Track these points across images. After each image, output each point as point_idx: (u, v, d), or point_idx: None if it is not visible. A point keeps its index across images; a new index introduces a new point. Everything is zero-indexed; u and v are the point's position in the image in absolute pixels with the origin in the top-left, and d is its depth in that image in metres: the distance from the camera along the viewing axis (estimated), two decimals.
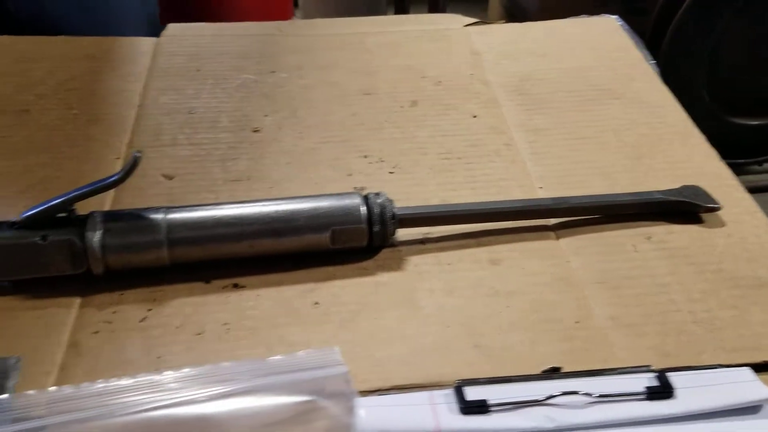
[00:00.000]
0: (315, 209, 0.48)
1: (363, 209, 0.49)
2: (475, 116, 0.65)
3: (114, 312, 0.45)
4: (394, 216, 0.49)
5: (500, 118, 0.65)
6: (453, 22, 0.81)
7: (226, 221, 0.47)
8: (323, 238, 0.48)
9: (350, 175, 0.58)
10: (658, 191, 0.54)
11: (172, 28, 0.77)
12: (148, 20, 0.89)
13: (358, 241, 0.49)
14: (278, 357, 0.40)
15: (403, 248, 0.51)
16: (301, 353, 0.40)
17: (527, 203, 0.54)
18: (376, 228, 0.49)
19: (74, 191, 0.45)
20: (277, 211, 0.48)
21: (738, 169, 2.11)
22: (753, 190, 2.13)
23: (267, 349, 0.43)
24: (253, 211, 0.48)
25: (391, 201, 0.50)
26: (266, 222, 0.48)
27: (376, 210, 0.49)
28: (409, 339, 0.44)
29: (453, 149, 0.61)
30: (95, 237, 0.45)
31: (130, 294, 0.47)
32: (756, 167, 2.02)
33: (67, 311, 0.45)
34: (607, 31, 0.78)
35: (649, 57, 0.72)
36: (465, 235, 0.52)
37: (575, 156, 0.60)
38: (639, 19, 2.29)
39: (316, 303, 0.46)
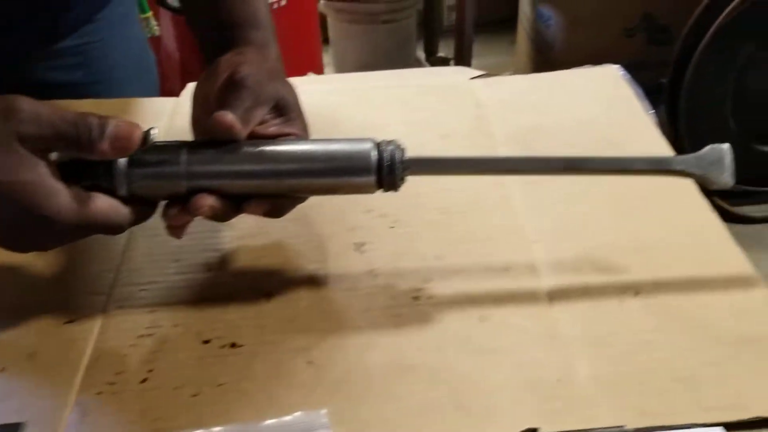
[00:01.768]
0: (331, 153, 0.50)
1: (374, 154, 0.49)
2: None
3: (117, 373, 0.48)
4: (403, 161, 0.50)
5: None
6: (460, 75, 0.83)
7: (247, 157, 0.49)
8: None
9: (352, 230, 0.60)
10: (678, 157, 0.52)
11: (191, 88, 0.80)
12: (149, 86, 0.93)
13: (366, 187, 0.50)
14: (268, 422, 0.42)
15: (395, 305, 0.53)
16: (288, 418, 0.42)
17: (538, 159, 0.55)
18: (386, 172, 0.49)
19: None
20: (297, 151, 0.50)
21: (765, 197, 2.09)
22: None
23: (258, 412, 0.45)
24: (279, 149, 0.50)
25: (402, 149, 0.51)
26: (296, 160, 0.49)
27: (387, 155, 0.49)
28: (396, 399, 0.46)
29: (452, 204, 0.63)
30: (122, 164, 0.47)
31: (133, 355, 0.49)
32: None
33: (74, 372, 0.48)
34: (609, 81, 0.79)
35: (649, 107, 0.74)
36: (458, 290, 0.54)
37: (570, 209, 0.62)
38: (663, 49, 2.30)
39: (310, 362, 0.49)
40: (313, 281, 0.55)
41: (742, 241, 0.59)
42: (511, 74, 0.84)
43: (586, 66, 0.82)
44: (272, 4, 1.45)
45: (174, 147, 0.49)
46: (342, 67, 2.47)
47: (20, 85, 0.49)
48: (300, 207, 0.62)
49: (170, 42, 1.52)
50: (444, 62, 2.71)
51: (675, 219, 0.60)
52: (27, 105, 0.43)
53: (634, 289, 0.53)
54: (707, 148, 0.52)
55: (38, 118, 0.43)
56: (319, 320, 0.52)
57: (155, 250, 0.58)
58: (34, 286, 0.55)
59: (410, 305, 0.53)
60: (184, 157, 0.48)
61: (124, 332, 0.51)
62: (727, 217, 1.91)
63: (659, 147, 0.69)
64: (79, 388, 0.47)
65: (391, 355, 0.49)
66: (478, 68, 2.62)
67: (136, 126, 0.46)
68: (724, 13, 1.61)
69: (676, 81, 1.77)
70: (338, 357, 0.49)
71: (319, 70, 1.85)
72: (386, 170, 0.49)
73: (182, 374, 0.48)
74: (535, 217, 0.61)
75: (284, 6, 1.47)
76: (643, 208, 0.61)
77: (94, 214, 0.45)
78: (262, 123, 0.51)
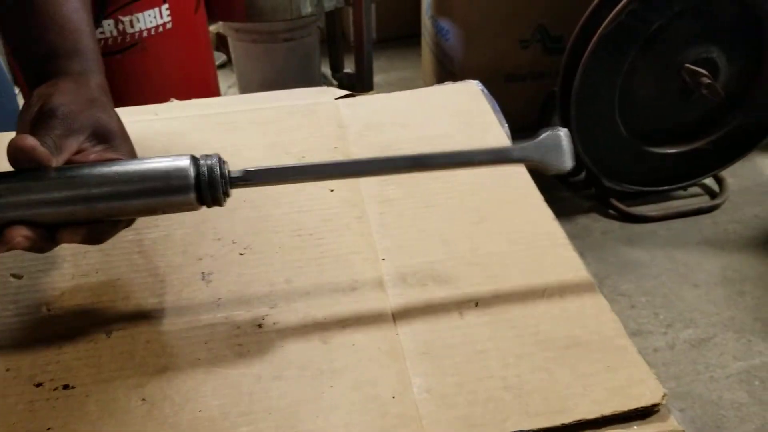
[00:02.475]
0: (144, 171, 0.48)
1: (192, 170, 0.48)
2: (332, 190, 0.68)
3: None
4: (224, 175, 0.49)
5: (356, 190, 0.67)
6: (325, 95, 0.84)
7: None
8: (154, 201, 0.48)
9: (200, 259, 0.60)
10: (517, 146, 0.53)
11: None
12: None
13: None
14: None
15: (238, 334, 0.53)
16: None
17: (384, 160, 0.54)
18: (205, 187, 0.48)
19: None
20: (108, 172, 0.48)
21: (664, 196, 2.17)
22: (681, 214, 2.17)
23: None
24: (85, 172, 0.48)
25: (224, 162, 0.49)
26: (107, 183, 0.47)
27: (206, 170, 0.48)
28: (227, 430, 0.45)
29: (306, 225, 0.63)
30: None
31: None
32: (681, 192, 2.08)
33: None
34: (468, 96, 0.81)
35: (503, 120, 0.76)
36: (303, 313, 0.54)
37: (420, 225, 0.63)
38: (557, 58, 2.37)
39: (143, 399, 0.48)
40: (155, 315, 0.54)
41: (638, 240, 0.62)
42: (374, 93, 0.84)
43: (447, 83, 0.84)
44: (158, 27, 1.43)
45: None
46: (246, 87, 2.45)
47: None
48: (147, 240, 0.62)
49: None
50: (351, 77, 2.73)
51: (521, 229, 0.62)
52: None
53: (474, 300, 0.54)
54: (544, 134, 0.53)
55: None
56: (158, 355, 0.51)
57: None
58: None
59: (253, 333, 0.53)
60: None
61: None
62: (624, 217, 1.98)
63: None
64: None
65: (227, 388, 0.49)
66: (385, 82, 2.62)
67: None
68: (606, 21, 1.67)
69: (565, 89, 1.82)
70: (172, 392, 0.48)
71: (215, 92, 1.83)
72: (206, 186, 0.48)
73: (8, 420, 0.46)
74: (386, 236, 0.62)
75: (170, 30, 1.45)
76: (492, 220, 0.63)
77: None
78: (80, 152, 0.50)
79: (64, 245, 0.49)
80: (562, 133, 0.53)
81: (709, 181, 2.08)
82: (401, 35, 2.98)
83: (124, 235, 0.61)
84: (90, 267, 0.59)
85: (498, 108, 0.78)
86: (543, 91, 2.18)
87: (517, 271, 0.57)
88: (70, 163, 0.49)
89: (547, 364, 0.49)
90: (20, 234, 0.46)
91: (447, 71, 2.45)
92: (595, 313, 0.53)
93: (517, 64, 2.33)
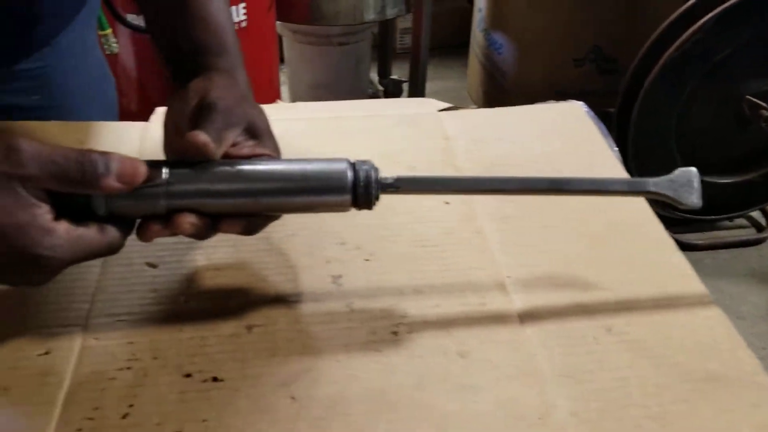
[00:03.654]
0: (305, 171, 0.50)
1: (350, 173, 0.50)
2: (447, 203, 0.69)
3: (96, 408, 0.47)
4: (377, 180, 0.51)
5: (470, 205, 0.68)
6: (426, 106, 0.85)
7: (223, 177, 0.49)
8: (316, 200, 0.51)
9: (328, 262, 0.61)
10: (652, 180, 0.54)
11: (161, 112, 0.80)
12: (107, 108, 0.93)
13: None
14: None
15: (375, 339, 0.54)
16: None
17: (521, 180, 0.56)
18: (361, 191, 0.50)
19: None
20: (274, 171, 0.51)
21: (709, 225, 2.17)
22: (728, 245, 2.17)
23: None
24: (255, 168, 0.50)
25: (377, 169, 0.51)
26: (271, 180, 0.50)
27: (362, 174, 0.50)
28: None
29: (426, 237, 0.64)
30: None
31: (112, 389, 0.49)
32: (727, 222, 2.08)
33: (50, 408, 0.47)
34: (574, 117, 0.82)
35: (613, 144, 0.76)
36: (436, 324, 0.55)
37: (540, 245, 0.63)
38: (610, 78, 2.37)
39: (292, 398, 0.49)
40: (292, 314, 0.55)
41: None
42: (476, 107, 0.85)
43: (549, 102, 0.85)
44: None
45: (153, 166, 0.49)
46: (297, 87, 2.47)
47: None
48: (274, 239, 0.63)
49: (129, 59, 1.50)
50: (396, 84, 2.74)
51: (645, 257, 0.62)
52: (27, 145, 0.43)
53: (607, 326, 0.55)
54: (677, 171, 0.55)
55: (39, 157, 0.43)
56: (300, 353, 0.52)
57: (130, 280, 0.58)
58: (3, 318, 0.54)
59: (390, 340, 0.54)
60: (163, 176, 0.48)
61: (101, 365, 0.50)
62: None
63: None
64: (56, 425, 0.46)
65: (371, 392, 0.50)
66: (431, 91, 2.64)
67: (139, 162, 0.46)
68: (673, 47, 1.68)
69: (623, 111, 1.83)
70: (319, 392, 0.49)
71: (276, 91, 1.85)
72: (362, 189, 0.50)
73: (164, 410, 0.48)
74: (507, 253, 0.62)
75: (245, 28, 1.47)
76: (613, 246, 0.63)
77: (88, 245, 0.46)
78: (234, 145, 0.52)
79: None
80: (693, 171, 0.55)
81: (755, 214, 2.08)
82: (447, 44, 2.99)
83: None
84: (222, 261, 0.60)
85: (607, 132, 0.79)
86: (593, 110, 2.19)
87: (646, 299, 0.58)
88: (226, 156, 0.51)
89: (688, 396, 0.49)
90: (188, 221, 0.48)
91: (497, 84, 2.45)
92: (730, 348, 0.53)
93: (569, 81, 2.34)
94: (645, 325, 0.55)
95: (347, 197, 0.51)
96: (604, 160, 0.75)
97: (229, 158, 0.52)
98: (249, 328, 0.54)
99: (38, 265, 0.44)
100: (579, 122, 0.81)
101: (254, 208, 0.50)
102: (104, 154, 0.45)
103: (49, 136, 0.74)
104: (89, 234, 0.46)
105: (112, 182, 0.45)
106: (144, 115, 0.78)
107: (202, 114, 0.51)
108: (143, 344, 0.52)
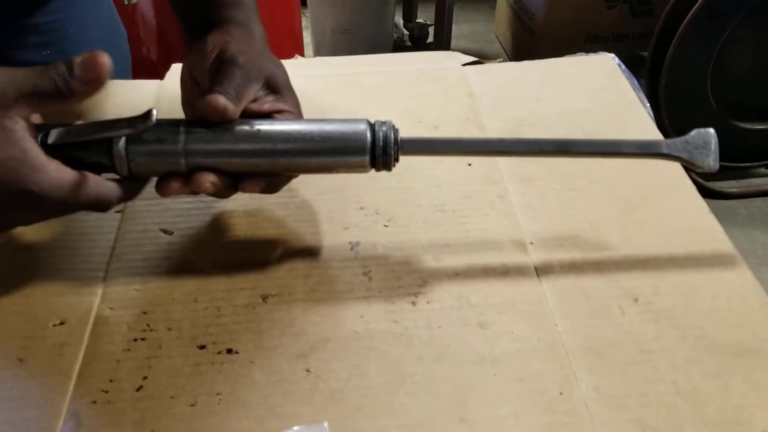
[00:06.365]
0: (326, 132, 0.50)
1: (369, 134, 0.50)
2: (470, 164, 0.66)
3: (111, 380, 0.47)
4: (397, 141, 0.50)
5: (494, 166, 0.66)
6: (451, 60, 0.82)
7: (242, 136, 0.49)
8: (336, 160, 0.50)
9: (346, 228, 0.59)
10: (665, 141, 0.53)
11: (176, 69, 0.78)
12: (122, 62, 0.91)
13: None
14: None
15: (393, 309, 0.52)
16: None
17: (529, 141, 0.54)
18: (379, 152, 0.50)
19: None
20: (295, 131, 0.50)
21: (744, 173, 2.11)
22: (762, 193, 2.11)
23: (257, 423, 0.44)
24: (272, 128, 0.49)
25: (396, 130, 0.51)
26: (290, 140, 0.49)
27: (381, 135, 0.50)
28: (396, 411, 0.45)
29: (447, 201, 0.62)
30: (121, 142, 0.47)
31: (127, 361, 0.48)
32: (763, 170, 2.02)
33: (65, 378, 0.47)
34: (604, 71, 0.78)
35: (645, 100, 0.73)
36: (455, 294, 0.54)
37: (566, 210, 0.61)
38: (644, 20, 2.29)
39: (308, 371, 0.48)
40: (309, 283, 0.54)
41: (715, 216, 0.60)
42: (501, 61, 0.82)
43: (578, 54, 0.81)
44: None
45: (172, 125, 0.48)
46: (319, 32, 2.42)
47: None
48: (292, 202, 0.61)
49: (147, 9, 1.48)
50: (422, 27, 2.68)
51: (675, 221, 0.60)
52: (1, 73, 0.43)
53: (634, 296, 0.53)
54: (694, 132, 0.53)
55: (13, 81, 0.42)
56: (316, 325, 0.51)
57: (146, 247, 0.57)
58: (17, 286, 0.53)
59: (408, 311, 0.52)
60: (182, 135, 0.48)
61: (116, 335, 0.50)
62: (703, 192, 1.93)
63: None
64: (71, 396, 0.46)
65: (390, 364, 0.49)
66: (458, 34, 2.58)
67: (100, 53, 0.44)
68: None
69: (657, 55, 1.77)
70: (336, 365, 0.48)
71: (297, 36, 1.81)
72: (380, 150, 0.50)
73: (178, 382, 0.47)
74: (532, 218, 0.60)
75: None
76: (642, 210, 0.61)
77: (81, 189, 0.45)
78: (255, 100, 0.51)
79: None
80: (711, 132, 0.53)
81: None
82: None
83: (270, 198, 0.60)
84: (238, 227, 0.59)
85: (638, 85, 0.75)
86: (625, 54, 2.12)
87: (676, 267, 0.55)
88: (246, 112, 0.51)
89: (719, 370, 0.48)
90: (208, 180, 0.48)
91: (525, 27, 2.39)
92: (764, 319, 0.51)
93: (600, 24, 2.27)
94: (673, 295, 0.53)
95: (366, 158, 0.50)
96: (637, 119, 0.72)
97: (249, 114, 0.51)
98: (264, 298, 0.53)
99: (27, 202, 0.43)
100: (610, 76, 0.77)
101: (273, 168, 0.50)
102: (66, 60, 0.43)
103: None
104: (84, 179, 0.45)
105: (77, 84, 0.43)
106: (164, 65, 0.77)
107: (221, 69, 0.50)
108: (158, 314, 0.51)
